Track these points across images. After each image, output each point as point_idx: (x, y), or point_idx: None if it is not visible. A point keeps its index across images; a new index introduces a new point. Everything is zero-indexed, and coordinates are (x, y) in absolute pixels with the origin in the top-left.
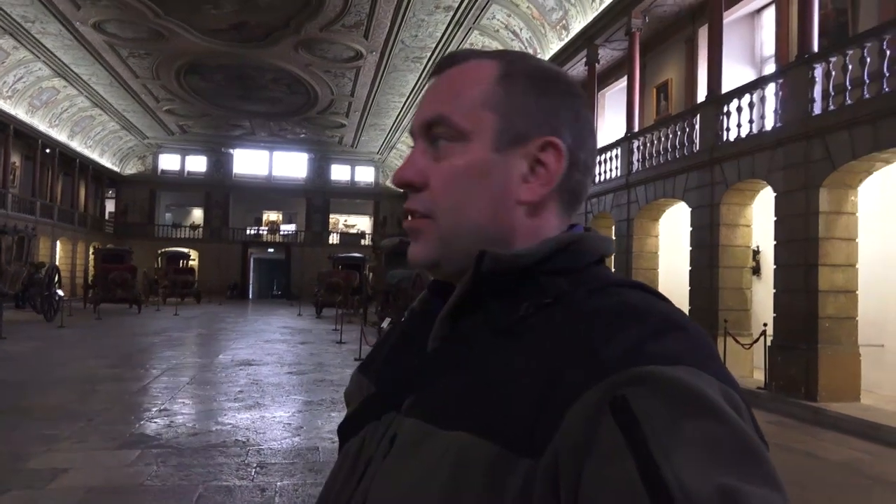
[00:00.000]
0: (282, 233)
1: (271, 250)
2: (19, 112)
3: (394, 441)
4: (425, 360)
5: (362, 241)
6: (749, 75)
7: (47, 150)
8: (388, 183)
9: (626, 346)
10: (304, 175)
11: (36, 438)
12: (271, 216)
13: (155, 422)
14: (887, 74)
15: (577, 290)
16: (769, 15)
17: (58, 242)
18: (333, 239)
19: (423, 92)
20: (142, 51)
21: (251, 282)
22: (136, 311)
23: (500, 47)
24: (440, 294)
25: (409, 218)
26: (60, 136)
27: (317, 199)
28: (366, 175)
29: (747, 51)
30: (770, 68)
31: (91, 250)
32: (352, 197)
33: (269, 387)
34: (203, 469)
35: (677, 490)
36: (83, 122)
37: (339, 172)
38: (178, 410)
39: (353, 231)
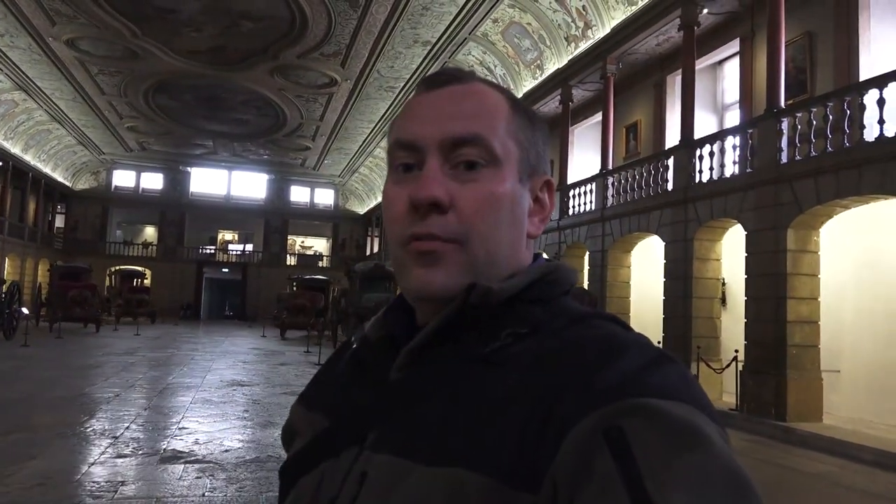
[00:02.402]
0: (237, 252)
1: (226, 270)
2: None
3: (364, 480)
4: (391, 391)
5: (319, 263)
6: (711, 121)
7: (0, 163)
8: (348, 206)
9: (621, 376)
10: (264, 195)
11: (74, 454)
12: (227, 235)
13: (180, 439)
14: (847, 131)
15: (553, 320)
16: (731, 66)
17: (6, 258)
18: (291, 260)
19: (416, 103)
20: (112, 68)
21: (202, 302)
22: (93, 330)
23: None
24: (400, 319)
25: (423, 241)
26: (14, 148)
27: (275, 219)
28: (325, 197)
29: (710, 98)
30: (732, 115)
31: (46, 267)
32: (310, 219)
33: (273, 406)
34: (253, 482)
35: None
36: (39, 136)
37: (299, 194)
38: (195, 429)
39: (309, 252)
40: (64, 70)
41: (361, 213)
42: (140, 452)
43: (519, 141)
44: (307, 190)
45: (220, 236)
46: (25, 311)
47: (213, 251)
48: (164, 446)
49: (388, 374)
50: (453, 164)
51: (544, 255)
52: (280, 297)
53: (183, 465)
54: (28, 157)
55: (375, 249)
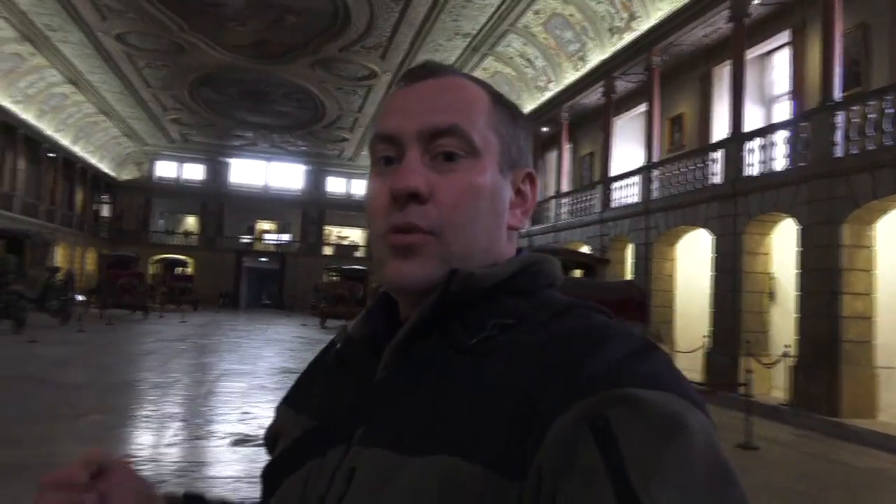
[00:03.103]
0: (273, 242)
1: (264, 260)
2: (28, 117)
3: (352, 476)
4: (377, 388)
5: (355, 253)
6: (758, 113)
7: (51, 155)
8: None
9: (606, 366)
10: (301, 186)
11: (149, 436)
12: (265, 225)
13: (245, 423)
14: None
15: (538, 311)
16: (780, 57)
17: (58, 247)
18: (327, 250)
19: (396, 97)
20: (159, 62)
21: (240, 290)
22: (141, 316)
23: (514, 73)
24: (381, 317)
25: (402, 234)
26: (64, 140)
27: (312, 210)
28: (362, 188)
29: (757, 90)
30: (780, 107)
31: (94, 255)
32: (347, 209)
33: None
34: None
35: None
36: (87, 128)
37: (336, 185)
38: (258, 413)
39: (346, 243)
40: (112, 64)
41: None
42: (211, 435)
43: (500, 134)
44: (344, 181)
45: (257, 226)
46: (81, 297)
47: (250, 241)
48: (231, 430)
49: (374, 372)
50: (433, 156)
51: (525, 251)
52: (318, 286)
53: (254, 449)
54: (77, 149)
55: None
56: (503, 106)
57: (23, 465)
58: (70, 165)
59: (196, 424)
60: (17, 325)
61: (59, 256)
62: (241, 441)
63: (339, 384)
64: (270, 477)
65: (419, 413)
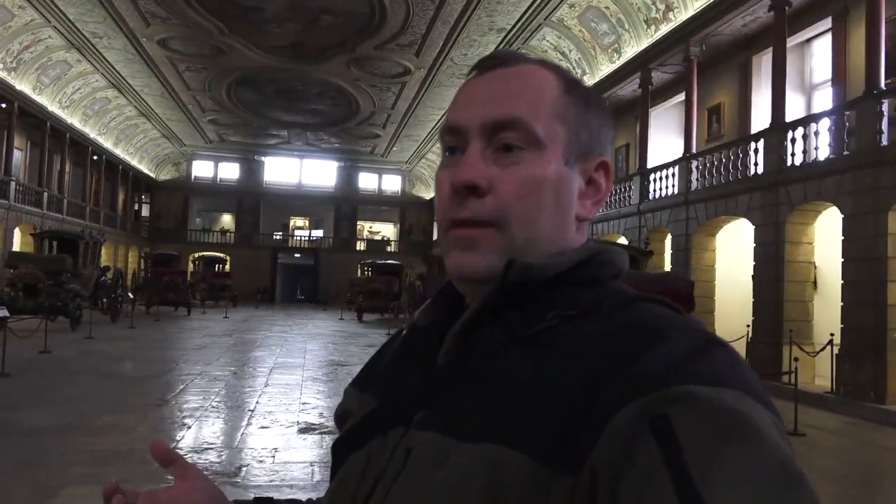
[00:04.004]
0: (305, 238)
1: (298, 256)
2: (74, 121)
3: (409, 456)
4: (437, 375)
5: (388, 248)
6: (799, 101)
7: (95, 157)
8: (415, 191)
9: (668, 362)
10: (334, 183)
11: (222, 424)
12: (298, 222)
13: (306, 413)
14: None
15: (601, 303)
16: (820, 45)
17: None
18: (360, 245)
19: (465, 88)
20: (199, 65)
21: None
22: (185, 313)
23: None
24: (446, 306)
25: (462, 226)
26: (107, 143)
27: (345, 206)
28: (392, 184)
29: (797, 77)
30: (821, 95)
31: (136, 254)
32: (378, 205)
33: None
34: None
35: None
36: (128, 130)
37: (367, 180)
38: (316, 404)
39: (377, 238)
40: (154, 68)
41: (428, 198)
42: (278, 424)
43: (567, 122)
44: (375, 176)
45: (291, 223)
46: (131, 295)
47: (285, 237)
48: (296, 419)
49: (436, 358)
50: (495, 148)
51: (591, 241)
52: (353, 281)
53: (320, 436)
54: (118, 151)
55: None
56: (575, 92)
57: (113, 452)
58: (112, 167)
59: (261, 414)
60: (74, 322)
61: (104, 256)
62: (307, 429)
63: (403, 369)
64: (338, 453)
65: (476, 401)
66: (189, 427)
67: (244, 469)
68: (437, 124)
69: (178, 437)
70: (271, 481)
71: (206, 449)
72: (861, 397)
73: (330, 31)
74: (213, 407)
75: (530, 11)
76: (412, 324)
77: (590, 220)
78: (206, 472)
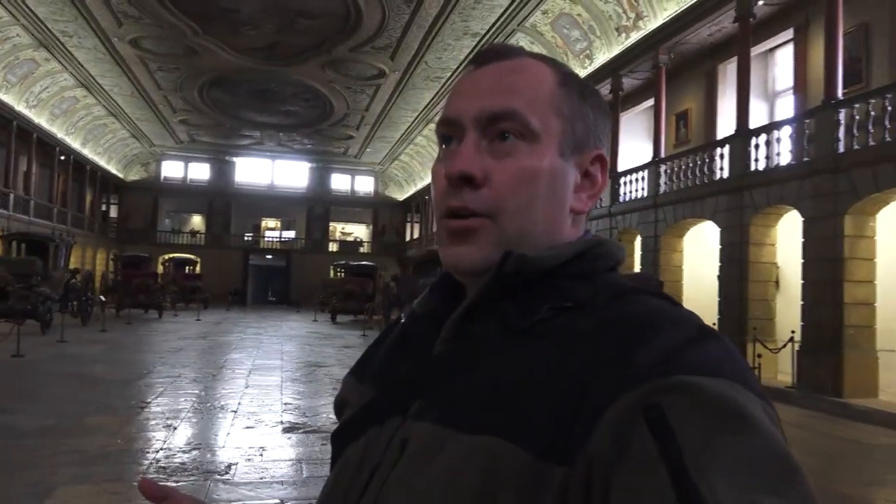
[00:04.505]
0: (276, 239)
1: (270, 257)
2: (41, 121)
3: (405, 446)
4: (434, 363)
5: (360, 249)
6: (762, 108)
7: (62, 157)
8: (388, 193)
9: (662, 353)
10: (306, 184)
11: (207, 425)
12: (270, 223)
13: (289, 413)
14: None
15: (596, 295)
16: (782, 54)
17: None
18: (333, 247)
19: (462, 81)
20: (171, 65)
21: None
22: (156, 315)
23: None
24: (444, 296)
25: (456, 217)
26: (74, 143)
27: (317, 207)
28: (365, 185)
29: (761, 85)
30: (783, 102)
31: (104, 256)
32: (351, 206)
33: None
34: None
35: None
36: (96, 130)
37: (340, 182)
38: (297, 404)
39: (350, 239)
40: (125, 67)
41: (401, 199)
42: (262, 424)
43: (562, 114)
44: (348, 177)
45: (263, 224)
46: (103, 298)
47: (256, 239)
48: (279, 419)
49: (432, 347)
50: (490, 140)
51: (590, 233)
52: (327, 282)
53: (304, 434)
54: (86, 151)
55: (415, 235)
56: (571, 85)
57: (103, 452)
58: (80, 168)
59: (244, 415)
60: (44, 325)
61: (72, 258)
62: (291, 428)
63: (400, 357)
64: (337, 443)
65: (471, 391)
66: (175, 428)
67: (233, 467)
68: (410, 126)
69: (164, 438)
70: (261, 478)
71: (194, 448)
72: (820, 391)
73: (306, 33)
74: (196, 408)
75: (504, 17)
76: (411, 311)
77: (586, 214)
78: (196, 470)
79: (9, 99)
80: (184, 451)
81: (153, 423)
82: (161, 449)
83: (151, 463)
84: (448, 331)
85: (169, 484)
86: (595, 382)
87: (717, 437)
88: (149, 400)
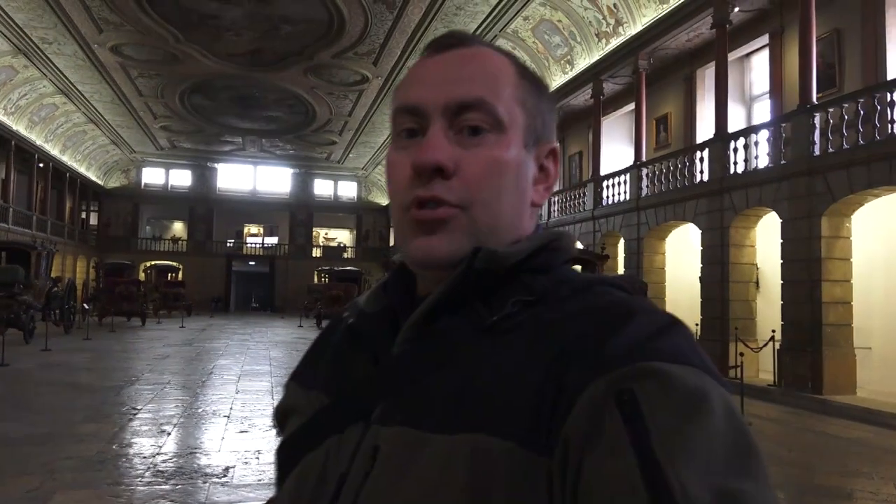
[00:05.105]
0: (258, 245)
1: (252, 263)
2: (20, 128)
3: (376, 454)
4: (396, 364)
5: (344, 254)
6: (740, 112)
7: (41, 165)
8: (371, 198)
9: (632, 340)
10: (289, 190)
11: (201, 430)
12: (252, 229)
13: None
14: (878, 125)
15: (559, 288)
16: (759, 59)
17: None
18: (316, 252)
19: (419, 67)
20: (152, 71)
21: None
22: (139, 323)
23: None
24: (398, 293)
25: (427, 207)
26: (54, 150)
27: (300, 212)
28: (348, 190)
29: (738, 89)
30: (760, 106)
31: (84, 263)
32: (334, 211)
33: None
34: None
35: (678, 491)
36: (76, 137)
37: (323, 187)
38: None
39: (333, 244)
40: (105, 74)
41: (384, 204)
42: (256, 428)
43: (525, 107)
44: (331, 183)
45: (245, 230)
46: (86, 306)
47: (239, 245)
48: (272, 423)
49: (391, 347)
50: (457, 129)
51: (541, 227)
52: (311, 288)
53: None
54: (65, 158)
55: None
56: (529, 78)
57: (100, 458)
58: (59, 175)
59: (238, 420)
60: (27, 334)
61: (54, 266)
62: None
63: (353, 359)
64: (286, 455)
65: (442, 390)
66: (169, 434)
67: (231, 470)
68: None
69: (160, 444)
70: (260, 480)
71: (189, 453)
72: (801, 388)
73: (288, 39)
74: (189, 414)
75: (486, 23)
76: (360, 311)
77: (540, 206)
78: (194, 474)
79: None
80: (180, 456)
81: (146, 428)
82: (157, 454)
83: (149, 467)
84: (410, 330)
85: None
86: (569, 371)
87: (685, 422)
88: (140, 406)
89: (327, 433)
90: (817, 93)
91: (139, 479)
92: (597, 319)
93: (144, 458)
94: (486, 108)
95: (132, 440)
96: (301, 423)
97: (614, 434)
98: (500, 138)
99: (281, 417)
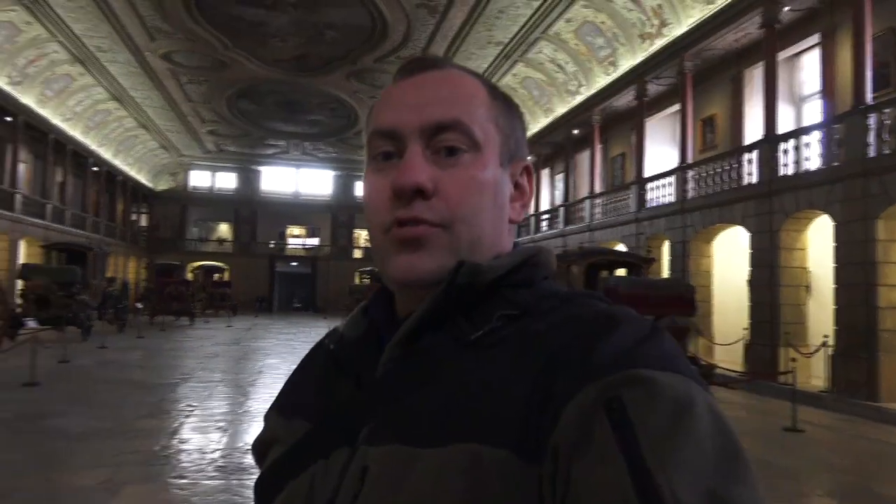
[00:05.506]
0: (299, 246)
1: (295, 264)
2: (76, 133)
3: (365, 474)
4: (381, 384)
5: None
6: (789, 112)
7: (95, 168)
8: None
9: (619, 348)
10: (330, 192)
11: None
12: (295, 231)
13: None
14: None
15: (542, 301)
16: (809, 58)
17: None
18: (357, 253)
19: (393, 91)
20: (201, 77)
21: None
22: (187, 322)
23: (544, 78)
24: (380, 315)
25: (408, 227)
26: (106, 154)
27: (342, 214)
28: None
29: (787, 90)
30: (810, 106)
31: (135, 264)
32: None
33: None
34: None
35: (669, 497)
36: (127, 142)
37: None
38: None
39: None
40: (156, 81)
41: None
42: None
43: (499, 126)
44: None
45: (288, 231)
46: (140, 305)
47: (282, 246)
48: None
49: (375, 369)
50: (434, 150)
51: (519, 244)
52: (352, 289)
53: None
54: (117, 162)
55: None
56: (500, 98)
57: (163, 453)
58: (111, 178)
59: None
60: (85, 332)
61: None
62: None
63: (336, 385)
64: (269, 483)
65: (430, 407)
66: (226, 430)
67: None
68: None
69: (218, 439)
70: None
71: (248, 450)
72: (854, 395)
73: (333, 44)
74: (244, 412)
75: (528, 26)
76: (340, 336)
77: (518, 224)
78: (256, 471)
79: (46, 113)
80: (239, 452)
81: (204, 425)
82: (216, 450)
83: (210, 462)
84: (394, 349)
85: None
86: (556, 380)
87: (674, 429)
88: (196, 404)
89: (312, 459)
90: (872, 93)
91: (202, 474)
92: (582, 329)
93: (204, 453)
94: (462, 129)
95: (191, 436)
96: (284, 451)
97: (603, 442)
98: (477, 158)
99: (261, 450)
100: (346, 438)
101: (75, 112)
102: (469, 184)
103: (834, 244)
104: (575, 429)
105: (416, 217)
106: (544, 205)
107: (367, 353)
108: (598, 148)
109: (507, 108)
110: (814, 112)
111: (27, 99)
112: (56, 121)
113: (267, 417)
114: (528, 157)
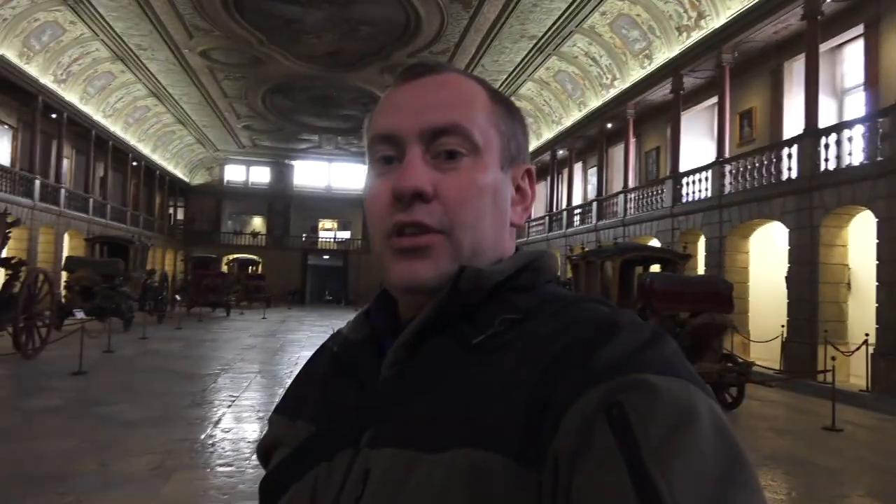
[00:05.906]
0: (330, 240)
1: (327, 257)
2: (117, 129)
3: (367, 477)
4: (384, 388)
5: None
6: (831, 105)
7: (134, 163)
8: None
9: (620, 353)
10: (362, 185)
11: None
12: (326, 224)
13: None
14: None
15: (544, 305)
16: (851, 50)
17: None
18: None
19: (392, 96)
20: (237, 74)
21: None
22: (223, 314)
23: (578, 72)
24: (382, 318)
25: (409, 232)
26: (145, 149)
27: None
28: None
29: (829, 82)
30: (852, 99)
31: (172, 257)
32: None
33: None
34: None
35: (670, 502)
36: (165, 137)
37: None
38: None
39: None
40: (194, 77)
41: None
42: None
43: (499, 130)
44: None
45: (320, 225)
46: (177, 297)
47: (314, 239)
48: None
49: (378, 373)
50: (434, 154)
51: (522, 248)
52: (384, 281)
53: None
54: (155, 157)
55: None
56: (501, 102)
57: (210, 442)
58: (150, 172)
59: None
60: (127, 323)
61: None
62: None
63: (339, 387)
64: (273, 484)
65: (432, 411)
66: (265, 420)
67: None
68: None
69: (262, 429)
70: None
71: None
72: None
73: (366, 40)
74: None
75: (562, 19)
76: (343, 339)
77: (520, 227)
78: None
79: (89, 110)
80: None
81: (246, 415)
82: (257, 440)
83: (252, 452)
84: (397, 353)
85: None
86: (557, 384)
87: (675, 434)
88: (237, 394)
89: (316, 461)
90: None
91: (247, 462)
92: (583, 333)
93: (249, 442)
94: (462, 133)
95: (236, 425)
96: (288, 453)
97: (604, 447)
98: (477, 161)
99: (265, 453)
100: (349, 441)
101: (116, 108)
102: (469, 187)
103: (877, 241)
104: (576, 434)
105: (416, 221)
106: (577, 199)
107: (370, 357)
108: (632, 142)
109: (507, 111)
110: (856, 105)
111: (71, 96)
112: (98, 117)
113: (271, 420)
114: (534, 161)
